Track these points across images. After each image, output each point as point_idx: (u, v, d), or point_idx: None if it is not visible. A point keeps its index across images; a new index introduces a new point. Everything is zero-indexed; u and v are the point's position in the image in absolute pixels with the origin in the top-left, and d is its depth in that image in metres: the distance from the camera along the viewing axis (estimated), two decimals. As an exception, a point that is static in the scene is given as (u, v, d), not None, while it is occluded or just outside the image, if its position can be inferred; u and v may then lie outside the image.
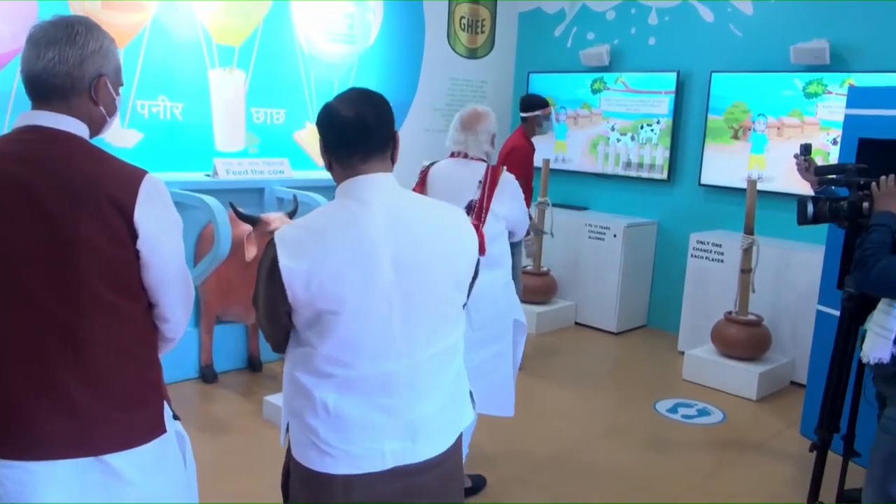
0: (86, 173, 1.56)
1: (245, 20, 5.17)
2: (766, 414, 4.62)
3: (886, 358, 2.33)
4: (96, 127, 1.68)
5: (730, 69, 5.66)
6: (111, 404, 1.62)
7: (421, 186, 3.32)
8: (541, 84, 6.84)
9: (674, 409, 4.62)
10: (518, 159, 4.75)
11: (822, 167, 3.10)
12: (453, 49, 6.67)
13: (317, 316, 1.67)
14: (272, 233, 4.04)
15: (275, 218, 4.23)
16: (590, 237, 6.16)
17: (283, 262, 1.65)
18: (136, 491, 1.65)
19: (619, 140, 6.39)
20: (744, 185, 5.18)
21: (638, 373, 5.32)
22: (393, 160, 1.80)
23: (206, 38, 4.98)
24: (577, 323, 6.36)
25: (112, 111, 1.70)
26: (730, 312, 5.09)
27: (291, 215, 4.34)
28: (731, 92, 5.64)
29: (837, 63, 5.15)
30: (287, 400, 1.79)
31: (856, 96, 4.06)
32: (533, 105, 5.04)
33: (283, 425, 1.82)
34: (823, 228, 4.06)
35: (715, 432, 4.33)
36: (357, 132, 1.71)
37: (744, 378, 4.87)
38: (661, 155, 6.14)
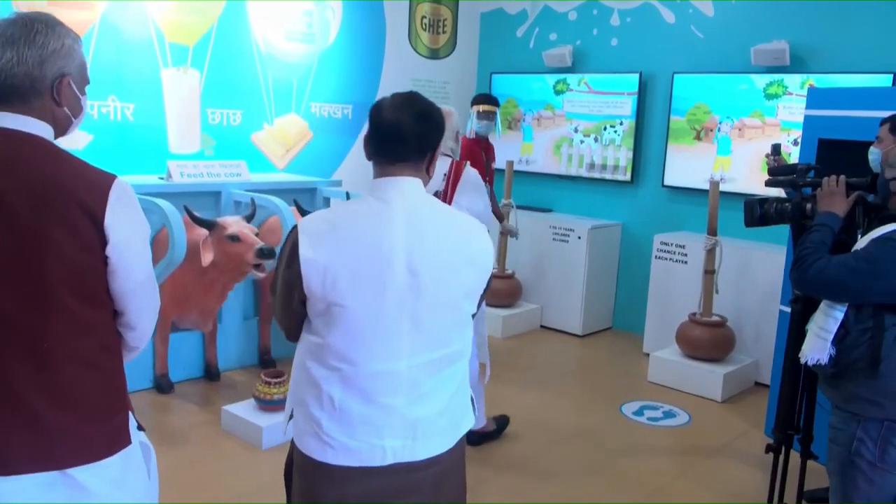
0: (52, 176, 1.52)
1: (199, 18, 5.10)
2: (730, 415, 4.67)
3: (824, 359, 2.33)
4: (61, 128, 1.64)
5: (691, 70, 5.73)
6: (76, 415, 1.59)
7: None
8: (503, 85, 6.85)
9: (639, 412, 4.64)
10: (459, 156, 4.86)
11: (778, 168, 3.16)
12: (415, 49, 6.65)
13: (327, 307, 1.73)
14: (229, 237, 4.06)
15: (232, 222, 4.17)
16: (554, 239, 6.17)
17: (304, 251, 1.71)
18: None
19: (582, 141, 6.42)
20: (706, 186, 5.24)
21: (603, 375, 5.34)
22: (428, 172, 1.86)
23: (158, 37, 4.90)
24: (542, 326, 6.36)
25: (77, 111, 1.66)
26: (694, 314, 5.14)
27: (249, 219, 4.28)
28: (693, 93, 5.70)
29: (797, 64, 5.24)
30: (294, 388, 1.85)
31: (815, 97, 4.13)
32: (480, 104, 5.12)
33: (286, 413, 1.89)
34: (785, 228, 4.13)
35: (681, 434, 4.36)
36: (392, 137, 1.78)
37: (708, 379, 4.91)
38: (624, 156, 6.18)
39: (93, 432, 1.62)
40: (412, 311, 1.74)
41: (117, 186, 1.57)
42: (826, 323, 2.32)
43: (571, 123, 6.48)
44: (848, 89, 4.43)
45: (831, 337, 2.30)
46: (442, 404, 1.83)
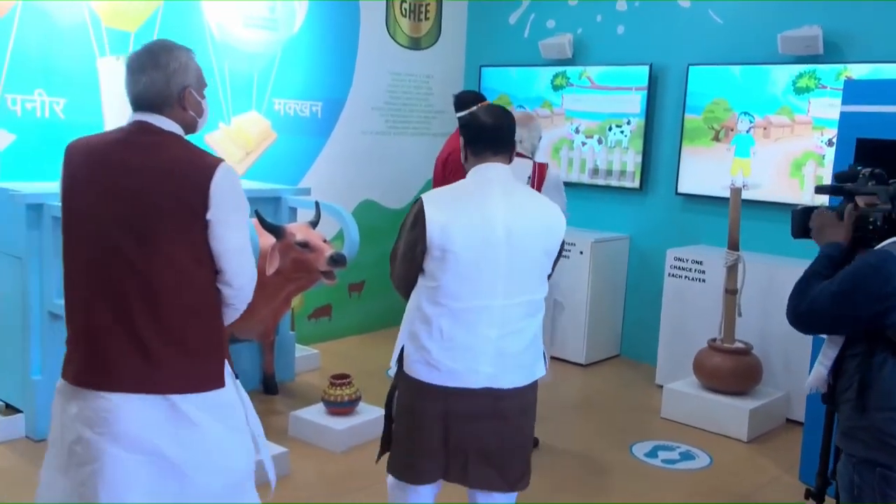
0: (174, 158, 2.27)
1: (142, 0, 5.02)
2: (759, 457, 4.60)
3: (823, 388, 2.46)
4: (190, 126, 2.38)
5: (709, 62, 5.70)
6: (177, 351, 2.25)
7: None
8: (494, 79, 6.83)
9: (653, 453, 4.59)
10: (456, 164, 4.70)
11: (840, 174, 3.04)
12: (393, 38, 6.61)
13: (443, 254, 2.58)
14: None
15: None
16: None
17: (429, 212, 2.59)
18: (199, 431, 2.27)
19: (584, 144, 6.40)
20: (726, 193, 5.22)
21: (611, 411, 5.28)
22: (510, 160, 2.80)
23: (93, 21, 4.83)
24: (539, 354, 6.26)
25: (200, 112, 2.39)
26: (714, 339, 5.09)
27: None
28: (711, 87, 5.67)
29: (832, 53, 5.20)
30: (407, 326, 2.73)
31: (853, 90, 4.09)
32: (466, 102, 4.90)
33: (396, 348, 2.76)
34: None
35: (701, 479, 4.29)
36: (495, 134, 2.73)
37: (732, 415, 4.85)
38: (632, 160, 6.15)
39: (191, 368, 2.28)
40: (507, 261, 2.60)
41: (222, 167, 2.27)
42: (828, 349, 2.42)
43: (572, 123, 6.45)
44: (890, 81, 4.42)
45: (830, 364, 2.40)
46: (524, 343, 2.69)
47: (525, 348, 2.69)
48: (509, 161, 2.77)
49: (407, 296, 2.76)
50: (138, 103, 2.32)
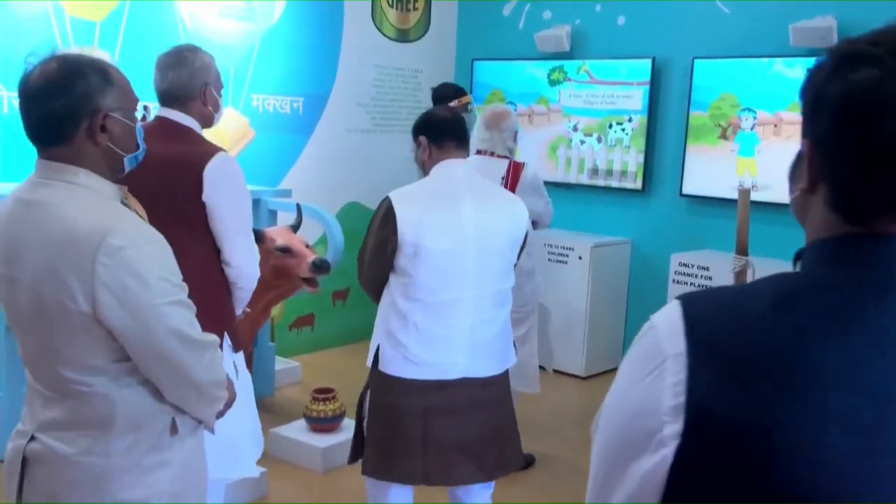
0: (187, 149, 2.73)
1: (110, -13, 4.97)
2: None
3: None
4: (207, 121, 2.87)
5: (716, 55, 5.70)
6: None
7: None
8: (487, 73, 6.84)
9: None
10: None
11: None
12: (379, 30, 6.60)
13: (416, 250, 2.79)
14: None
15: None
16: (550, 260, 6.10)
17: (399, 211, 2.79)
18: None
19: (583, 142, 6.39)
20: (734, 194, 5.12)
21: None
22: (467, 153, 3.08)
23: (56, 10, 4.76)
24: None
25: (217, 108, 2.89)
26: None
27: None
28: (718, 82, 5.67)
29: None
30: (382, 324, 2.93)
31: None
32: (446, 97, 4.86)
33: (372, 348, 2.96)
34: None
35: None
36: (456, 128, 2.98)
37: None
38: (633, 160, 6.15)
39: None
40: (476, 255, 2.84)
41: (219, 156, 2.73)
42: None
43: (570, 120, 6.44)
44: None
45: None
46: (495, 331, 2.95)
47: (496, 336, 2.95)
48: (467, 155, 3.04)
49: (377, 296, 2.96)
50: (164, 98, 2.80)
